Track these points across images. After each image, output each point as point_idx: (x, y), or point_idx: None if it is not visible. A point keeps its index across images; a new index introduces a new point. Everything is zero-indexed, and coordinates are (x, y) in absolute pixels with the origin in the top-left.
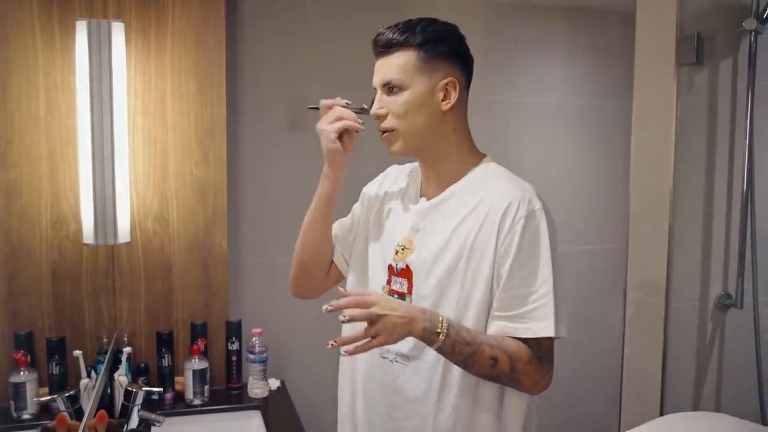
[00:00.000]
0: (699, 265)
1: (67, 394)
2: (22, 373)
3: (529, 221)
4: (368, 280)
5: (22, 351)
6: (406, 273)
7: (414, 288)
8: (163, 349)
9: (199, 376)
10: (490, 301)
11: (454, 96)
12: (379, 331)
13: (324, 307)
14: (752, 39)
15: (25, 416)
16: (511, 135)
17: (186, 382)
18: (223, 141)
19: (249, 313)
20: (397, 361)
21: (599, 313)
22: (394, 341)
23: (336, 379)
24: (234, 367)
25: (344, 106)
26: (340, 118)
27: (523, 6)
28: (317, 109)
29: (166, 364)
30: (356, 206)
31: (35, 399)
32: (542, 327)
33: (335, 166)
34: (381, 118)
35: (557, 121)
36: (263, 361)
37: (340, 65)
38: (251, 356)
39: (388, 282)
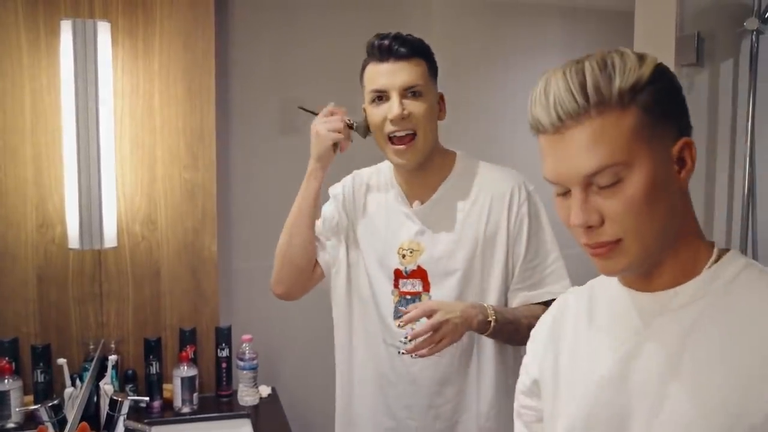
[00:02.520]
0: None
1: (50, 404)
2: (6, 381)
3: (531, 201)
4: (362, 286)
5: (6, 358)
6: (418, 274)
7: (432, 285)
8: (151, 356)
9: (188, 383)
10: (506, 280)
11: (444, 108)
12: (445, 334)
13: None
14: (754, 39)
15: (9, 425)
16: (507, 136)
17: (174, 389)
18: (213, 144)
19: (239, 318)
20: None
21: None
22: (458, 340)
23: (327, 385)
24: (224, 374)
25: (347, 122)
26: (338, 131)
27: (521, 6)
28: (314, 113)
29: (154, 372)
30: (329, 207)
31: (18, 408)
32: (561, 287)
33: (325, 166)
34: (400, 121)
35: None
36: (253, 368)
37: (332, 66)
38: (241, 363)
39: (396, 285)
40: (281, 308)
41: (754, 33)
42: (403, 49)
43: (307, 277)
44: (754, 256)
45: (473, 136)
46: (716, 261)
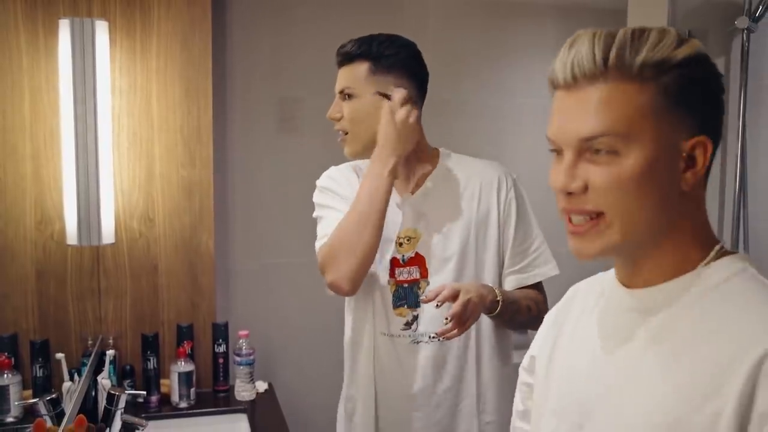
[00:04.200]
0: None
1: (48, 398)
2: (5, 375)
3: (516, 189)
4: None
5: (5, 353)
6: (416, 261)
7: (431, 271)
8: (149, 352)
9: (185, 378)
10: (499, 262)
11: None
12: (469, 315)
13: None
14: (744, 37)
15: (9, 419)
16: (504, 136)
17: (172, 384)
18: (210, 142)
19: (236, 314)
20: (431, 339)
21: None
22: (477, 320)
23: (324, 381)
24: (221, 370)
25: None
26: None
27: (514, 5)
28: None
29: (152, 367)
30: (329, 200)
31: (17, 402)
32: (549, 269)
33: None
34: (336, 120)
35: None
36: (250, 364)
37: (330, 66)
38: (238, 359)
39: (392, 275)
40: (278, 304)
41: (745, 31)
42: (345, 55)
43: None
44: (746, 250)
45: (470, 138)
46: (710, 263)
